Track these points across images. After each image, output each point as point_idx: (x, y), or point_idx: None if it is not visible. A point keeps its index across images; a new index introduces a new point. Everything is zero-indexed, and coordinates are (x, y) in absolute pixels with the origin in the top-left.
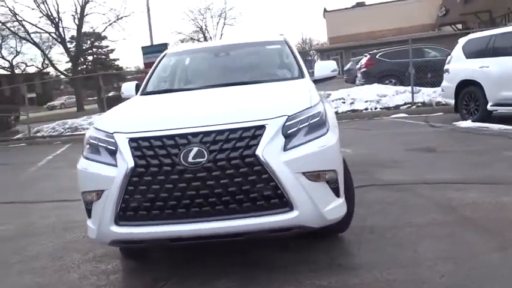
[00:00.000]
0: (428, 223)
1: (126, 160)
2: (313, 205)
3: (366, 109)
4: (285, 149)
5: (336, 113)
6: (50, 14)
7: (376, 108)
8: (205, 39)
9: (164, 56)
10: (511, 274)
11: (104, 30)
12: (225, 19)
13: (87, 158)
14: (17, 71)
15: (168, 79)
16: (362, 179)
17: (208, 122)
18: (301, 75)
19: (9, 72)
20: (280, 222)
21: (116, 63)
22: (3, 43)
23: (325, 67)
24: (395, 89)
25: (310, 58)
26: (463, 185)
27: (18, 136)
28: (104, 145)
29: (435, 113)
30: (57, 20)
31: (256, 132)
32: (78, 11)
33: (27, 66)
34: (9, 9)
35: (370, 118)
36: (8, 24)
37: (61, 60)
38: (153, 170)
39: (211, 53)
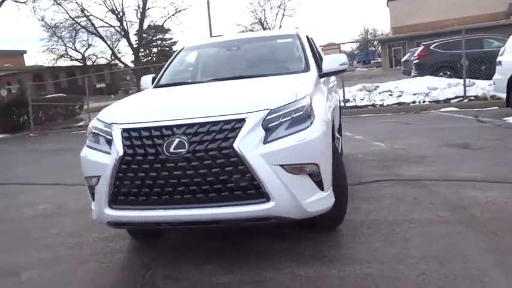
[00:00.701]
0: (431, 221)
1: (117, 149)
2: (292, 197)
3: (414, 102)
4: (265, 141)
5: (381, 105)
6: (115, 8)
7: (424, 102)
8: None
9: (182, 49)
10: (493, 279)
11: (163, 24)
12: (284, 10)
13: (88, 147)
14: (88, 63)
15: (180, 72)
16: (384, 173)
17: (192, 115)
18: (307, 69)
19: (81, 64)
20: (256, 212)
21: None
22: (76, 37)
23: (333, 61)
24: (447, 81)
25: (373, 49)
26: (484, 184)
27: (80, 124)
28: (103, 135)
29: (489, 107)
30: (121, 14)
31: (235, 125)
32: (141, 6)
33: (97, 58)
34: (78, 4)
35: (417, 112)
36: (78, 20)
37: (128, 52)
38: (139, 159)
39: (224, 47)
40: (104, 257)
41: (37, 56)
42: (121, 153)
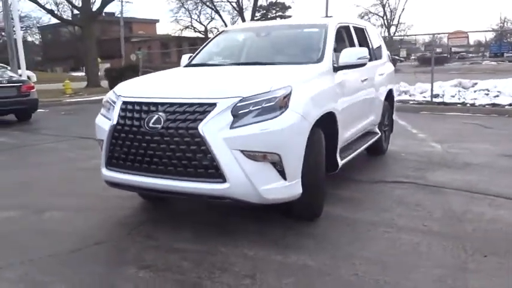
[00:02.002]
0: (412, 229)
1: (114, 118)
2: (248, 181)
3: (510, 105)
4: (231, 127)
5: (472, 105)
6: None
7: None
8: (384, 14)
9: (220, 32)
10: None
11: (276, 1)
12: None
13: (101, 114)
14: (210, 35)
15: (209, 54)
16: (411, 175)
17: (175, 95)
18: (319, 61)
19: (203, 36)
20: (213, 191)
21: None
22: (202, 10)
23: (351, 54)
24: None
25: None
26: (505, 201)
27: None
28: (112, 105)
29: None
30: None
31: (206, 109)
32: None
33: (218, 31)
34: None
35: (511, 116)
36: None
37: None
38: (126, 129)
39: (254, 32)
40: (113, 211)
41: (167, 26)
42: (115, 122)
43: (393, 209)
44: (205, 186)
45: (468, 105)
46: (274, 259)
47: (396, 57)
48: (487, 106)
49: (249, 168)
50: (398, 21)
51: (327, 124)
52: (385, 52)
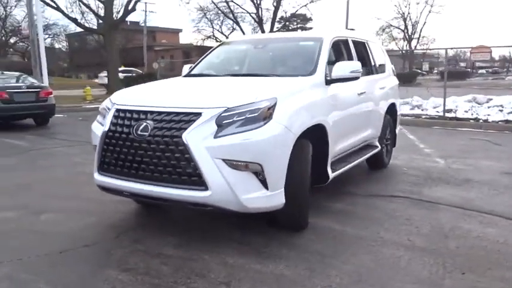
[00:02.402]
0: (395, 243)
1: (106, 124)
2: (230, 190)
3: None
4: (215, 136)
5: (485, 121)
6: None
7: None
8: (406, 27)
9: (221, 44)
10: None
11: (295, 12)
12: (431, 6)
13: (97, 121)
14: None
15: (208, 64)
16: (408, 190)
17: (163, 104)
18: (312, 73)
19: None
20: (195, 198)
21: None
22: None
23: (344, 68)
24: None
25: None
26: (496, 219)
27: None
28: (108, 111)
29: None
30: (258, 1)
31: (192, 118)
32: None
33: None
34: None
35: None
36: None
37: None
38: (116, 135)
39: (252, 44)
40: (108, 215)
41: (190, 35)
42: (106, 128)
43: (382, 223)
44: (188, 193)
45: (481, 121)
46: (253, 268)
47: (418, 70)
48: (500, 122)
49: (231, 177)
50: (420, 34)
51: (316, 136)
52: (388, 66)
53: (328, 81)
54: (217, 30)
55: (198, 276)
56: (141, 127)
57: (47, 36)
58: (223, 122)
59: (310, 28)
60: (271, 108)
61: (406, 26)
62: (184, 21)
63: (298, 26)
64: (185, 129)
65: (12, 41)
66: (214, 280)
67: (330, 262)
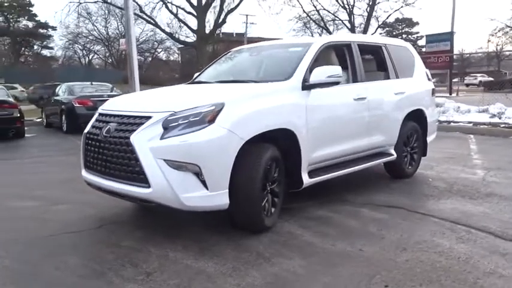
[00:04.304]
0: (346, 251)
1: (88, 127)
2: (170, 188)
3: None
4: (161, 138)
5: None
6: (347, 2)
7: None
8: None
9: (227, 53)
10: None
11: (387, 18)
12: None
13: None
14: None
15: (208, 72)
16: (410, 201)
17: (129, 108)
18: (288, 78)
19: None
20: (140, 194)
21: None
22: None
23: (321, 73)
24: None
25: None
26: (485, 236)
27: None
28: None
29: None
30: (350, 8)
31: (142, 121)
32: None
33: None
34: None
35: None
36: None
37: None
38: (91, 136)
39: (249, 52)
40: (105, 209)
41: None
42: (86, 130)
43: (350, 231)
44: (136, 189)
45: None
46: (184, 262)
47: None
48: None
49: (171, 176)
50: None
51: (285, 140)
52: (418, 70)
53: (307, 86)
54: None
55: (131, 265)
56: (105, 129)
57: (160, 50)
58: (170, 125)
59: (417, 33)
60: (216, 112)
61: None
62: (285, 31)
63: (404, 30)
64: (134, 131)
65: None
66: (141, 270)
67: (260, 264)
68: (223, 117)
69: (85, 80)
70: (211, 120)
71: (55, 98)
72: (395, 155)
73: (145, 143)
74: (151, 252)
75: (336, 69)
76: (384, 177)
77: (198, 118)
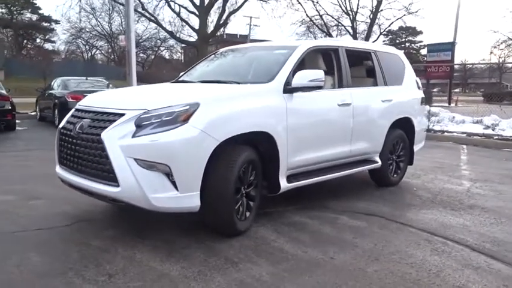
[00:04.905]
0: (315, 260)
1: (63, 122)
2: (139, 188)
3: None
4: (133, 136)
5: None
6: (350, 8)
7: None
8: None
9: (214, 53)
10: None
11: (389, 26)
12: None
13: None
14: None
15: (192, 72)
16: (390, 210)
17: (101, 105)
18: (270, 80)
19: None
20: (109, 193)
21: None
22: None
23: (303, 77)
24: None
25: None
26: (460, 249)
27: None
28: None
29: None
30: (353, 15)
31: (115, 118)
32: (374, 6)
33: None
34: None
35: None
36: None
37: None
38: (65, 132)
39: (235, 53)
40: (82, 206)
41: None
42: (61, 125)
43: (324, 238)
44: (105, 188)
45: None
46: (150, 265)
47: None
48: None
49: (141, 176)
50: None
51: (263, 143)
52: (408, 79)
53: (290, 90)
54: None
55: (95, 266)
56: (78, 125)
57: (163, 48)
58: (142, 123)
59: (420, 41)
60: (190, 112)
61: None
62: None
63: (407, 39)
64: (106, 128)
65: None
66: (104, 271)
67: (226, 269)
68: (197, 118)
69: (85, 75)
70: (185, 120)
71: (49, 91)
72: (379, 163)
73: (116, 140)
74: (119, 252)
75: (318, 74)
76: (368, 185)
77: (171, 117)
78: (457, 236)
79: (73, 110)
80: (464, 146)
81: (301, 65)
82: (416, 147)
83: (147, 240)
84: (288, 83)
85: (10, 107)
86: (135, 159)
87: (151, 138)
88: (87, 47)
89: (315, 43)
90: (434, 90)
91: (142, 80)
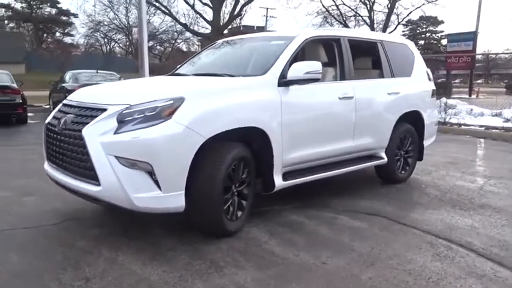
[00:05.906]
0: (306, 264)
1: (49, 117)
2: (120, 187)
3: None
4: (115, 132)
5: None
6: None
7: None
8: None
9: (212, 44)
10: None
11: (408, 15)
12: None
13: None
14: None
15: (188, 65)
16: (394, 210)
17: (84, 100)
18: (264, 73)
19: None
20: (90, 192)
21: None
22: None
23: (298, 69)
24: None
25: None
26: (465, 254)
27: None
28: None
29: None
30: (371, 4)
31: (97, 113)
32: None
33: None
34: None
35: None
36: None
37: None
38: (50, 128)
39: (231, 45)
40: (72, 204)
41: None
42: (47, 121)
43: (320, 240)
44: (86, 186)
45: None
46: (131, 268)
47: None
48: None
49: (122, 174)
50: None
51: (256, 139)
52: (418, 70)
53: (285, 83)
54: None
55: (74, 269)
56: (62, 120)
57: (180, 40)
58: (125, 119)
59: (442, 31)
60: (174, 107)
61: None
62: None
63: (427, 29)
64: (87, 123)
65: (149, 44)
66: (82, 274)
67: (210, 274)
68: (181, 113)
69: (104, 68)
70: (168, 116)
71: (61, 84)
72: (385, 159)
73: (96, 137)
74: (102, 254)
75: (314, 65)
76: (375, 182)
77: (153, 113)
78: (463, 239)
79: (60, 104)
80: (482, 140)
81: (301, 57)
82: (426, 142)
83: (132, 241)
84: (283, 75)
85: (21, 101)
86: (116, 157)
87: (133, 135)
88: (105, 40)
89: (314, 33)
90: (456, 81)
91: (155, 72)
